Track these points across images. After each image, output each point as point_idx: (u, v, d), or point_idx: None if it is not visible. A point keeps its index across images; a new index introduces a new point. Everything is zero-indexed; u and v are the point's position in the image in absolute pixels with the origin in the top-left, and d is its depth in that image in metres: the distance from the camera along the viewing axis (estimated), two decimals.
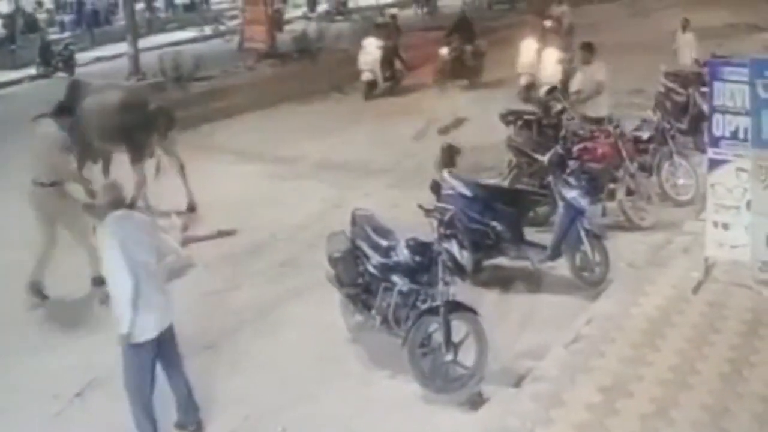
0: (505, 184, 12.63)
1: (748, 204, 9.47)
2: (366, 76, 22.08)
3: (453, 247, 8.57)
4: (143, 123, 13.36)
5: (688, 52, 18.99)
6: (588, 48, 14.98)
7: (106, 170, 13.94)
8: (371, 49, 22.32)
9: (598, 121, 13.76)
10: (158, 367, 7.59)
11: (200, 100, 20.76)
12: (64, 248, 11.20)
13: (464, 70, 22.67)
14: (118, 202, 7.55)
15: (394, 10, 36.08)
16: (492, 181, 12.15)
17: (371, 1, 38.06)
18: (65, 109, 11.40)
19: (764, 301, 9.38)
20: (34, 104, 15.84)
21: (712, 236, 9.85)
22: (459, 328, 8.29)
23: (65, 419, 8.30)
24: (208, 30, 34.88)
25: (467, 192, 10.73)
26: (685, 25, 19.68)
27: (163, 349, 7.52)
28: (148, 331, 7.31)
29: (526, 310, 9.98)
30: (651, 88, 16.46)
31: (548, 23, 22.19)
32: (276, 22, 27.30)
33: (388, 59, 22.73)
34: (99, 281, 10.32)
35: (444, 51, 22.46)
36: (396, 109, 20.41)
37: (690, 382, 7.85)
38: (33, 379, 8.95)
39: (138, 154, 13.33)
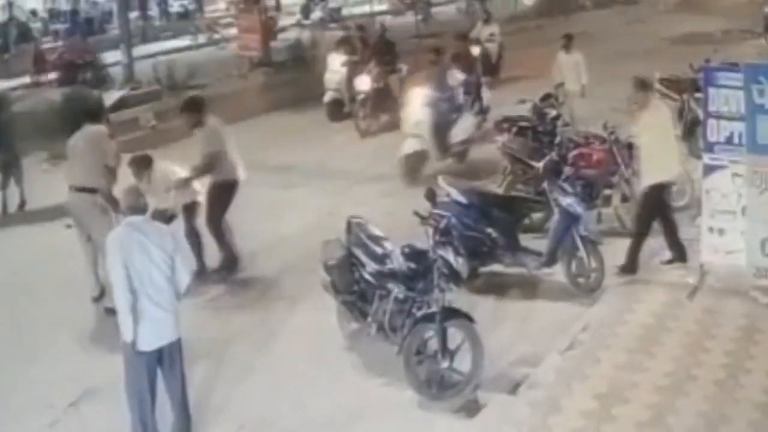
0: (501, 190, 12.64)
1: (744, 209, 9.47)
2: (329, 97, 19.99)
3: (448, 254, 8.56)
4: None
5: (574, 75, 16.90)
6: (195, 107, 11.45)
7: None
8: (335, 67, 20.13)
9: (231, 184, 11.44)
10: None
11: None
12: (66, 256, 11.26)
13: (387, 104, 19.28)
14: (136, 208, 7.41)
15: (387, 18, 36.18)
16: (487, 188, 12.16)
17: (365, 8, 38.11)
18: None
19: (759, 306, 9.38)
20: (27, 113, 16.04)
21: (708, 242, 9.85)
22: (455, 335, 8.29)
23: (60, 428, 8.26)
24: (202, 38, 34.91)
25: (462, 199, 10.73)
26: (568, 45, 17.31)
27: (164, 365, 7.42)
28: (144, 343, 7.23)
29: (522, 316, 9.97)
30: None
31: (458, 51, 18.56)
32: (269, 30, 27.25)
33: (354, 75, 20.11)
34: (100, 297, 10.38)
35: (365, 81, 19.09)
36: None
37: (686, 388, 7.85)
38: (28, 388, 8.91)
39: None
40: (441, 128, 15.33)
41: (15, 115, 15.52)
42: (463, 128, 15.60)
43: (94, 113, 11.66)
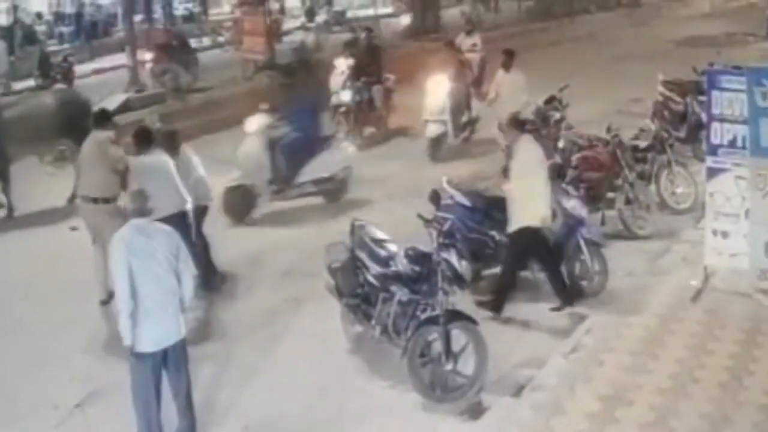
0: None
1: (747, 212, 9.48)
2: (335, 100, 18.58)
3: (452, 256, 8.58)
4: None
5: (514, 99, 14.57)
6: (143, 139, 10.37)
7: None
8: (341, 70, 18.98)
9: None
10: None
11: (199, 111, 20.74)
12: (72, 258, 11.29)
13: (372, 116, 18.69)
14: (140, 211, 7.46)
15: (392, 21, 36.19)
16: (490, 191, 12.16)
17: (370, 11, 38.08)
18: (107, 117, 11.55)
19: (763, 309, 9.38)
20: (19, 118, 16.07)
21: (711, 244, 9.86)
22: (458, 337, 8.31)
23: (65, 429, 8.27)
24: (206, 41, 34.92)
25: (466, 202, 10.74)
26: (507, 62, 15.49)
27: (170, 365, 7.45)
28: (147, 344, 7.26)
29: (526, 319, 9.97)
30: (649, 96, 16.43)
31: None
32: (274, 33, 27.21)
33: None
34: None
35: (346, 95, 18.23)
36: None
37: (689, 390, 7.86)
38: (34, 389, 8.93)
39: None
40: (282, 163, 13.81)
41: (6, 120, 15.52)
42: (323, 165, 14.10)
43: (100, 119, 11.50)
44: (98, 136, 10.96)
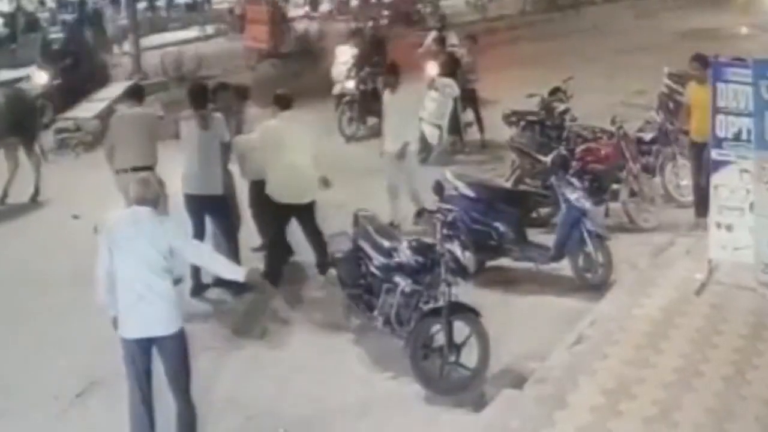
0: (508, 184, 12.62)
1: (752, 205, 9.44)
2: (337, 89, 18.65)
3: (455, 248, 8.57)
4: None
5: (400, 126, 12.55)
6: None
7: None
8: (344, 59, 19.05)
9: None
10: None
11: None
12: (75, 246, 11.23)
13: (375, 106, 16.36)
14: (141, 199, 7.20)
15: None
16: (495, 182, 12.15)
17: (373, 0, 38.05)
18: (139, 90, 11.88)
19: (767, 303, 9.34)
20: None
21: (716, 238, 9.82)
22: (461, 329, 8.29)
23: (66, 420, 8.28)
24: (210, 29, 34.87)
25: (470, 193, 10.72)
26: (392, 82, 12.89)
27: (162, 357, 7.25)
28: (125, 330, 7.13)
29: (529, 311, 9.96)
30: (654, 89, 16.37)
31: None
32: (277, 22, 27.14)
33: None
34: None
35: (350, 84, 18.19)
36: None
37: (693, 384, 7.82)
38: (35, 379, 8.93)
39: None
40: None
41: None
42: None
43: (133, 93, 11.81)
44: (137, 110, 11.29)
